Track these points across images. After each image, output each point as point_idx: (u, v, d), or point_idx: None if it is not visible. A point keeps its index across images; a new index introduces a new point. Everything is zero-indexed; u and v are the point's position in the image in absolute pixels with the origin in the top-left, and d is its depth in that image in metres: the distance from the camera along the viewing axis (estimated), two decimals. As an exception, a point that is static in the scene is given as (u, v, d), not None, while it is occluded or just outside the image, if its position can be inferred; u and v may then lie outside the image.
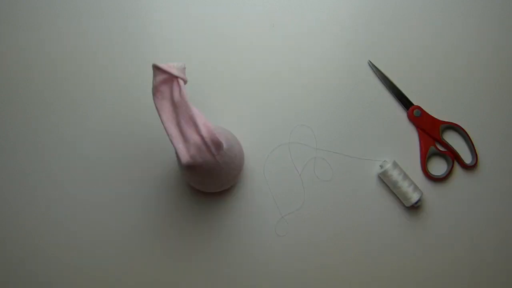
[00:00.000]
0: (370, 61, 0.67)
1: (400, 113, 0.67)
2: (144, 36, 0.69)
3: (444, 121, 0.66)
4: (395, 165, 0.63)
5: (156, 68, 0.50)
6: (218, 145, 0.51)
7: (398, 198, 0.64)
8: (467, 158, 0.66)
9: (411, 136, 0.66)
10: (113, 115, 0.67)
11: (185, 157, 0.50)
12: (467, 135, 0.65)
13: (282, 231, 0.65)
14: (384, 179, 0.64)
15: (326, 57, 0.68)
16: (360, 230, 0.64)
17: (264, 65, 0.68)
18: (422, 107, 0.66)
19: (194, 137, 0.50)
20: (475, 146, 0.65)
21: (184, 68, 0.52)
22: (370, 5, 0.69)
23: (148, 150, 0.66)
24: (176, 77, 0.50)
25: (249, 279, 0.64)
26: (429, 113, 0.66)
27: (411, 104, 0.66)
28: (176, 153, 0.51)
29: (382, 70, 0.67)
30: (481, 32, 0.68)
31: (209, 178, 0.58)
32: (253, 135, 0.66)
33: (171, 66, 0.50)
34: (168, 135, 0.50)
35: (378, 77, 0.67)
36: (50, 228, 0.65)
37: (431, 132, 0.66)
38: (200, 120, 0.50)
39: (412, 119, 0.66)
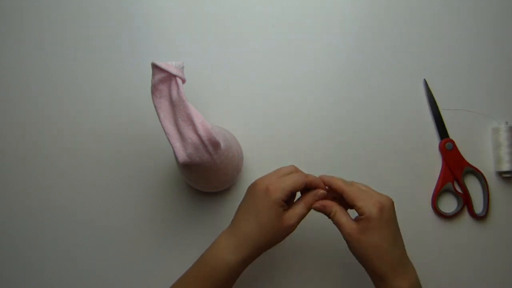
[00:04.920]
0: (425, 80, 0.66)
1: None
2: (144, 35, 0.68)
3: (470, 164, 0.65)
4: (510, 130, 0.64)
5: (155, 67, 0.50)
6: (215, 144, 0.52)
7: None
8: (478, 207, 0.65)
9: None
10: (111, 114, 0.67)
11: (182, 156, 0.51)
12: (487, 186, 0.65)
13: None
14: (493, 135, 0.65)
15: (329, 59, 0.67)
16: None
17: (264, 65, 0.67)
18: (456, 142, 0.66)
19: (191, 136, 0.50)
20: (490, 198, 0.65)
21: (183, 67, 0.52)
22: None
23: (147, 149, 0.66)
24: (175, 76, 0.50)
25: (247, 278, 0.64)
26: (460, 151, 0.66)
27: (446, 135, 0.66)
28: (174, 151, 0.51)
29: (434, 93, 0.66)
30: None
31: (206, 178, 0.58)
32: (253, 136, 0.66)
33: (170, 65, 0.50)
34: (165, 133, 0.51)
35: (427, 97, 0.66)
36: (49, 228, 0.66)
37: (454, 169, 0.65)
38: (198, 119, 0.50)
39: (442, 150, 0.65)
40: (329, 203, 0.53)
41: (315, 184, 0.53)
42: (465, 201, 0.65)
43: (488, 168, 0.66)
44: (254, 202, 0.52)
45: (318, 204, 0.53)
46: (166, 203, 0.66)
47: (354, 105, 0.67)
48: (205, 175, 0.57)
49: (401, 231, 0.65)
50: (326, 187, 0.54)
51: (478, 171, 0.65)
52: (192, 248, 0.65)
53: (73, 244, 0.66)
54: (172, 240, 0.65)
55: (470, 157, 0.65)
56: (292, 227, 0.51)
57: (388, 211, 0.51)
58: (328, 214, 0.53)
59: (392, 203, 0.52)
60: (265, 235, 0.50)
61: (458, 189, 0.65)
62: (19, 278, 0.66)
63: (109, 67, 0.68)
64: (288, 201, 0.52)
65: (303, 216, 0.52)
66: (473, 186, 0.66)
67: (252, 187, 0.53)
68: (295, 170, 0.54)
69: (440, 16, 0.67)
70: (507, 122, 0.65)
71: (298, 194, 0.55)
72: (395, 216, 0.52)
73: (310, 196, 0.53)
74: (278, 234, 0.51)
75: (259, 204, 0.51)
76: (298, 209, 0.52)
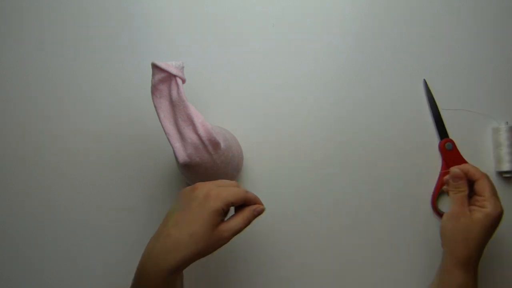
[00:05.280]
0: (425, 80, 0.66)
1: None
2: (144, 35, 0.68)
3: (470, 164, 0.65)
4: (510, 130, 0.64)
5: (155, 67, 0.50)
6: (215, 144, 0.52)
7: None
8: (477, 207, 0.65)
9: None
10: (111, 114, 0.67)
11: (182, 156, 0.51)
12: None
13: (281, 232, 0.65)
14: (493, 135, 0.65)
15: (328, 59, 0.67)
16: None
17: (264, 65, 0.67)
18: (455, 143, 0.65)
19: (191, 136, 0.50)
20: (490, 198, 0.65)
21: (183, 67, 0.52)
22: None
23: (147, 149, 0.66)
24: (175, 76, 0.50)
25: (247, 279, 0.64)
26: (460, 151, 0.65)
27: (446, 135, 0.66)
28: (174, 152, 0.51)
29: (433, 93, 0.66)
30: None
31: (206, 178, 0.57)
32: (253, 136, 0.66)
33: (170, 65, 0.50)
34: (165, 133, 0.51)
35: (427, 98, 0.66)
36: (49, 228, 0.66)
37: (454, 169, 0.65)
38: (198, 119, 0.50)
39: (442, 150, 0.65)
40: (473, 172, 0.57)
41: (253, 201, 0.52)
42: (465, 201, 0.65)
43: (488, 168, 0.65)
44: (190, 208, 0.48)
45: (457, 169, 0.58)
46: (166, 203, 0.66)
47: (354, 105, 0.67)
48: (205, 175, 0.56)
49: (401, 231, 0.66)
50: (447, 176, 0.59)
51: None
52: (192, 248, 0.65)
53: (73, 244, 0.66)
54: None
55: (470, 157, 0.65)
56: (226, 240, 0.49)
57: (498, 222, 0.55)
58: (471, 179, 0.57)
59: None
60: (197, 243, 0.47)
61: (458, 190, 0.65)
62: (19, 278, 0.66)
63: (109, 67, 0.68)
64: (225, 214, 0.50)
65: (238, 231, 0.50)
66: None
67: (189, 192, 0.50)
68: (236, 185, 0.52)
69: (440, 16, 0.67)
70: (507, 122, 0.65)
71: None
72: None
73: (249, 212, 0.51)
74: (210, 245, 0.48)
75: (196, 209, 0.48)
76: (235, 222, 0.49)
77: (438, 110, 0.66)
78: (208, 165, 0.53)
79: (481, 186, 0.56)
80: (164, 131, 0.51)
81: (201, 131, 0.50)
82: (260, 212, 0.52)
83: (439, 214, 0.65)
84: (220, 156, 0.54)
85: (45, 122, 0.67)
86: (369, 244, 0.65)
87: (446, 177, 0.60)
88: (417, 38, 0.67)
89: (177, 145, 0.51)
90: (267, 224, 0.65)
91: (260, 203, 0.53)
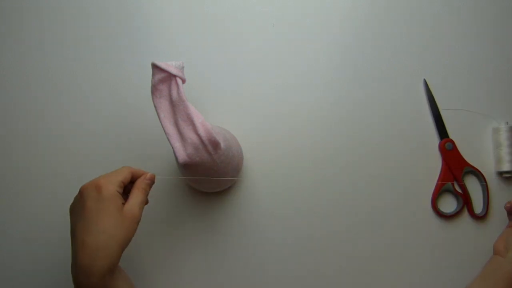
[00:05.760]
0: (425, 80, 0.66)
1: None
2: (144, 35, 0.68)
3: (470, 164, 0.65)
4: (510, 130, 0.64)
5: (155, 67, 0.50)
6: (215, 144, 0.52)
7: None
8: (477, 207, 0.65)
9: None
10: (111, 114, 0.67)
11: (182, 156, 0.51)
12: (487, 186, 0.65)
13: (280, 232, 0.65)
14: (493, 135, 0.65)
15: (327, 58, 0.67)
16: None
17: (264, 65, 0.67)
18: (455, 142, 0.66)
19: (191, 136, 0.50)
20: (490, 198, 0.65)
21: (183, 67, 0.52)
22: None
23: (147, 149, 0.66)
24: (175, 76, 0.50)
25: (247, 279, 0.64)
26: (460, 151, 0.66)
27: (446, 135, 0.66)
28: (174, 151, 0.51)
29: (433, 93, 0.66)
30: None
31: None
32: (253, 136, 0.66)
33: (170, 65, 0.50)
34: (165, 133, 0.51)
35: (427, 98, 0.66)
36: (49, 228, 0.66)
37: (454, 169, 0.65)
38: (198, 119, 0.50)
39: (442, 150, 0.65)
40: None
41: (140, 174, 0.52)
42: (465, 201, 0.65)
43: (488, 168, 0.65)
44: (89, 207, 0.47)
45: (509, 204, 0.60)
46: (166, 203, 0.66)
47: (354, 105, 0.67)
48: (205, 175, 0.56)
49: (401, 231, 0.65)
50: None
51: (478, 171, 0.65)
52: (192, 247, 0.65)
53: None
54: (172, 240, 0.65)
55: (470, 157, 0.65)
56: (137, 217, 0.49)
57: None
58: None
59: None
60: (113, 236, 0.47)
61: (458, 189, 0.65)
62: (19, 278, 0.66)
63: (109, 67, 0.68)
64: (124, 195, 0.51)
65: (143, 203, 0.51)
66: (473, 186, 0.66)
67: (81, 194, 0.49)
68: (121, 167, 0.53)
69: (440, 16, 0.67)
70: (507, 122, 0.65)
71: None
72: None
73: (140, 181, 0.52)
74: (126, 229, 0.48)
75: (94, 205, 0.47)
76: (135, 197, 0.50)
77: (438, 110, 0.66)
78: (208, 165, 0.53)
79: None
80: (164, 131, 0.51)
81: (201, 131, 0.50)
82: (151, 179, 0.53)
83: (440, 214, 0.65)
84: (220, 156, 0.54)
85: (45, 122, 0.67)
86: (369, 244, 0.65)
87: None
88: (417, 38, 0.67)
89: (177, 145, 0.51)
90: (267, 224, 0.65)
91: (145, 173, 0.53)
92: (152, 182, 0.53)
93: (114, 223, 0.47)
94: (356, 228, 0.65)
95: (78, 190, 0.67)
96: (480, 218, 0.65)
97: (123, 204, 0.49)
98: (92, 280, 0.46)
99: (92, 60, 0.68)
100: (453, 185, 0.65)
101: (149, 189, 0.52)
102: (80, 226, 0.48)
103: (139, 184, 0.52)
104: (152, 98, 0.51)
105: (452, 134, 0.66)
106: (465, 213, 0.65)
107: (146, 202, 0.52)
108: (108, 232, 0.47)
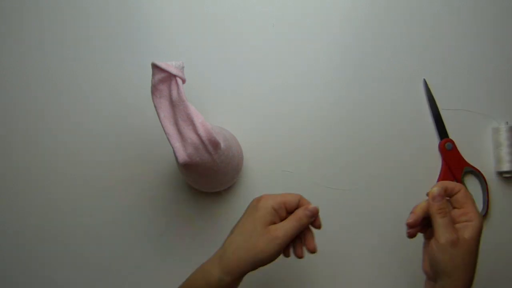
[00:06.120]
0: (425, 80, 0.66)
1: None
2: (144, 35, 0.68)
3: (470, 164, 0.65)
4: (510, 130, 0.64)
5: (155, 67, 0.50)
6: (215, 144, 0.52)
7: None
8: (478, 207, 0.65)
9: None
10: (111, 114, 0.67)
11: (182, 156, 0.51)
12: (487, 186, 0.65)
13: None
14: (493, 135, 0.65)
15: (325, 57, 0.67)
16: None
17: (264, 65, 0.67)
18: (455, 143, 0.66)
19: (191, 136, 0.50)
20: (490, 198, 0.65)
21: (183, 67, 0.51)
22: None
23: (147, 149, 0.66)
24: (175, 76, 0.50)
25: (246, 279, 0.64)
26: (460, 151, 0.66)
27: (446, 135, 0.66)
28: (174, 152, 0.51)
29: (433, 93, 0.66)
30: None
31: (206, 178, 0.58)
32: (253, 136, 0.66)
33: (170, 65, 0.50)
34: (165, 133, 0.51)
35: (427, 98, 0.66)
36: (49, 228, 0.66)
37: (454, 169, 0.65)
38: (198, 119, 0.50)
39: (442, 150, 0.65)
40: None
41: (305, 204, 0.52)
42: (465, 201, 0.65)
43: (488, 168, 0.65)
44: (245, 212, 0.52)
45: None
46: (166, 203, 0.66)
47: (354, 105, 0.67)
48: (205, 175, 0.57)
49: (401, 231, 0.65)
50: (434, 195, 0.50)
51: (478, 171, 0.65)
52: (192, 247, 0.65)
53: (73, 244, 0.66)
54: (172, 240, 0.65)
55: (470, 157, 0.65)
56: (278, 238, 0.48)
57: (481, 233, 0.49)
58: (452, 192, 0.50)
59: None
60: (245, 242, 0.48)
61: (458, 190, 0.65)
62: (19, 278, 0.66)
63: (109, 67, 0.68)
64: (279, 217, 0.50)
65: (291, 230, 0.49)
66: (473, 186, 0.66)
67: (250, 203, 0.52)
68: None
69: (440, 16, 0.67)
70: (507, 122, 0.65)
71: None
72: None
73: (301, 209, 0.51)
74: (261, 244, 0.48)
75: (248, 211, 0.51)
76: (286, 221, 0.50)
77: (438, 110, 0.66)
78: (208, 165, 0.53)
79: (462, 198, 0.50)
80: (164, 131, 0.51)
81: (201, 131, 0.50)
82: (313, 211, 0.50)
83: (439, 214, 0.65)
84: (220, 156, 0.54)
85: (45, 122, 0.67)
86: (369, 244, 0.65)
87: (428, 201, 0.51)
88: (417, 38, 0.67)
89: (177, 145, 0.51)
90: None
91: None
92: (311, 214, 0.50)
93: (252, 231, 0.49)
94: (356, 228, 0.65)
95: (78, 190, 0.67)
96: (480, 218, 0.64)
97: (274, 223, 0.50)
98: (214, 276, 0.48)
99: (92, 60, 0.68)
100: (453, 185, 0.65)
101: (307, 221, 0.50)
102: (237, 224, 0.51)
103: (298, 212, 0.51)
104: (152, 98, 0.51)
105: (452, 134, 0.66)
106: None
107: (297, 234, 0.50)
108: (242, 237, 0.49)
